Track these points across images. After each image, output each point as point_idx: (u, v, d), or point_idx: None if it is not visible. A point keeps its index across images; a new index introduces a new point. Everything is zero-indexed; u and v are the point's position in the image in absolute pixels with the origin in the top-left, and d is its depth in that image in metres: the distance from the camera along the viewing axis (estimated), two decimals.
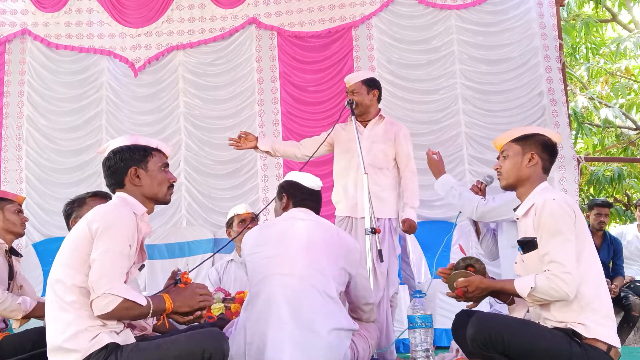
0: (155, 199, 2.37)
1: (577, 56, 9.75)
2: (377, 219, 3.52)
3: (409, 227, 3.56)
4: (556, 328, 2.30)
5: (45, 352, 2.38)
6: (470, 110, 5.96)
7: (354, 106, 3.62)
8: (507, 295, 2.50)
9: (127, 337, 2.19)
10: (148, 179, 2.33)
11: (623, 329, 4.71)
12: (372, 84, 3.71)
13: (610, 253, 5.12)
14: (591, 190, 9.25)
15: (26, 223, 3.45)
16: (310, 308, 2.50)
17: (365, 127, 3.70)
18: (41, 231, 5.89)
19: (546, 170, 2.51)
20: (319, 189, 2.86)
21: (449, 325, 2.87)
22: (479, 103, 5.97)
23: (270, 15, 6.22)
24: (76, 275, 2.12)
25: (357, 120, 3.63)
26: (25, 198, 3.47)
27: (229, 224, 4.14)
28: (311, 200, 2.82)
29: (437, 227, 5.30)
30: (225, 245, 4.19)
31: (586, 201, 8.89)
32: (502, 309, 3.13)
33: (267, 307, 2.52)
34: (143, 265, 2.40)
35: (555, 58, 6.00)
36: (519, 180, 2.48)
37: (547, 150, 2.51)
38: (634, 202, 7.12)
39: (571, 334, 2.26)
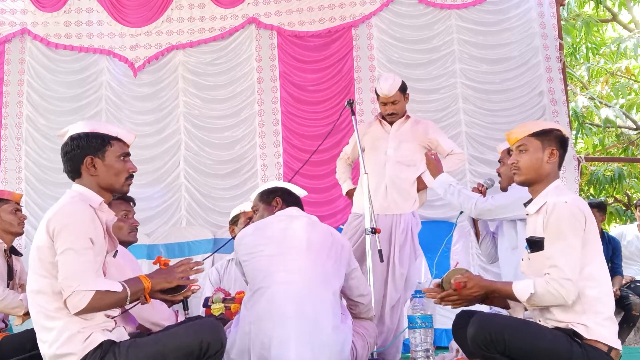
0: (112, 190, 2.32)
1: (578, 56, 9.75)
2: (400, 215, 3.66)
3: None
4: (557, 328, 2.29)
5: None
6: (470, 110, 5.96)
7: (353, 106, 3.69)
8: (501, 300, 2.48)
9: (120, 335, 2.19)
10: (104, 168, 2.27)
11: (623, 329, 4.71)
12: (405, 89, 3.82)
13: (609, 253, 5.12)
14: (591, 190, 9.24)
15: (26, 223, 3.43)
16: (314, 305, 2.51)
17: (391, 126, 3.81)
18: None
19: (560, 165, 2.50)
20: (302, 195, 3.00)
21: (449, 325, 2.87)
22: (479, 102, 5.96)
23: (270, 14, 6.22)
24: (56, 283, 2.08)
25: (385, 120, 3.82)
26: (22, 195, 3.45)
27: (234, 221, 4.09)
28: (299, 205, 2.89)
29: (437, 227, 5.29)
30: (226, 244, 4.17)
31: (586, 202, 8.87)
32: (501, 309, 3.13)
33: (271, 305, 2.52)
34: (116, 252, 2.38)
35: (556, 58, 5.99)
36: (539, 176, 2.45)
37: (564, 146, 2.50)
38: (634, 202, 7.12)
39: (572, 334, 2.25)
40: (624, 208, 9.25)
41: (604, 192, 9.10)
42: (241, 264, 2.71)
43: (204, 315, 3.47)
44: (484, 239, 3.50)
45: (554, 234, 2.29)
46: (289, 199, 2.87)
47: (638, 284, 5.09)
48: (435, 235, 5.03)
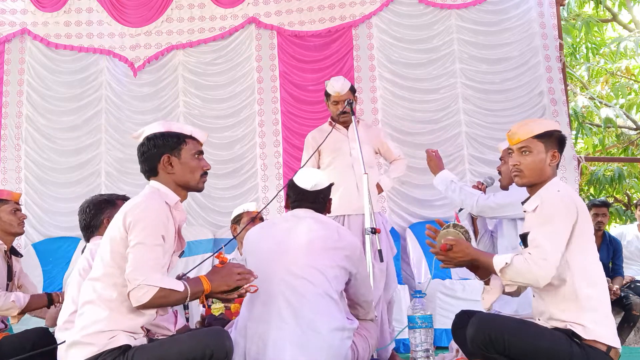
0: (188, 187, 2.39)
1: (578, 56, 9.74)
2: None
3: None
4: (556, 328, 2.30)
5: (45, 353, 2.38)
6: (470, 110, 5.96)
7: (353, 106, 3.74)
8: (484, 272, 2.47)
9: (141, 343, 2.21)
10: (180, 166, 2.34)
11: (623, 329, 4.70)
12: (354, 90, 3.92)
13: (609, 253, 5.11)
14: (591, 190, 9.24)
15: (26, 223, 3.42)
16: (311, 308, 2.50)
17: (347, 129, 3.86)
18: (40, 231, 5.87)
19: (558, 165, 2.51)
20: (317, 188, 2.80)
21: (449, 325, 2.87)
22: (479, 102, 5.96)
23: (270, 14, 6.22)
24: (120, 274, 2.13)
25: (340, 124, 3.85)
26: (21, 195, 3.44)
27: (237, 220, 4.09)
28: (306, 200, 2.79)
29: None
30: (228, 243, 4.17)
31: (586, 201, 8.89)
32: (501, 309, 3.13)
33: (268, 307, 2.53)
34: (182, 252, 2.43)
35: (556, 58, 6.00)
36: (540, 178, 2.44)
37: (563, 146, 2.51)
38: (634, 202, 7.11)
39: (570, 335, 2.25)
40: (624, 208, 9.24)
41: (604, 192, 9.10)
42: (246, 261, 2.72)
43: (204, 314, 3.47)
44: (482, 237, 3.50)
45: (542, 219, 2.30)
46: (291, 196, 2.83)
47: (638, 284, 5.09)
48: None
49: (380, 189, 3.91)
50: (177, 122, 2.46)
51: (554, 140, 2.46)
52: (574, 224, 2.29)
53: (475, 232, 3.56)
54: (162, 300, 2.10)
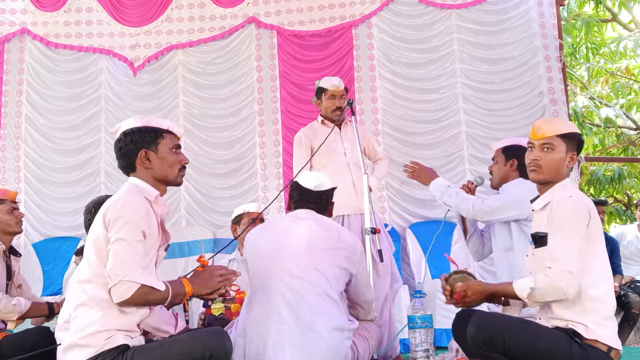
0: (166, 182, 2.37)
1: (578, 56, 9.74)
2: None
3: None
4: (557, 328, 2.29)
5: (45, 353, 2.37)
6: (470, 110, 5.96)
7: (353, 106, 3.71)
8: (499, 298, 2.49)
9: (139, 342, 2.21)
10: (158, 161, 2.33)
11: (623, 328, 4.70)
12: (347, 90, 3.93)
13: (607, 253, 5.11)
14: (591, 190, 9.24)
15: (25, 223, 3.40)
16: (310, 308, 2.50)
17: (340, 129, 3.85)
18: (40, 231, 5.87)
19: (572, 168, 2.51)
20: (320, 188, 2.81)
21: (449, 325, 2.87)
22: (479, 102, 5.96)
23: (270, 14, 6.22)
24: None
25: (329, 122, 3.84)
26: (17, 193, 3.42)
27: (237, 221, 4.08)
28: (309, 200, 2.79)
29: (437, 227, 5.27)
30: (229, 244, 4.16)
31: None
32: (499, 310, 3.12)
33: (267, 308, 2.52)
34: (168, 246, 2.43)
35: (556, 58, 5.99)
36: (556, 177, 2.43)
37: (581, 150, 2.51)
38: (634, 202, 7.11)
39: (571, 334, 2.25)
40: (624, 208, 9.25)
41: (604, 192, 9.10)
42: (247, 262, 2.72)
43: (204, 315, 3.47)
44: (471, 236, 3.49)
45: (556, 227, 2.30)
46: (294, 196, 2.83)
47: (638, 284, 5.10)
48: (433, 235, 5.02)
49: (369, 189, 3.89)
50: (154, 117, 2.44)
51: (575, 143, 2.46)
52: (587, 229, 2.29)
53: (465, 231, 3.55)
54: (144, 298, 2.09)
